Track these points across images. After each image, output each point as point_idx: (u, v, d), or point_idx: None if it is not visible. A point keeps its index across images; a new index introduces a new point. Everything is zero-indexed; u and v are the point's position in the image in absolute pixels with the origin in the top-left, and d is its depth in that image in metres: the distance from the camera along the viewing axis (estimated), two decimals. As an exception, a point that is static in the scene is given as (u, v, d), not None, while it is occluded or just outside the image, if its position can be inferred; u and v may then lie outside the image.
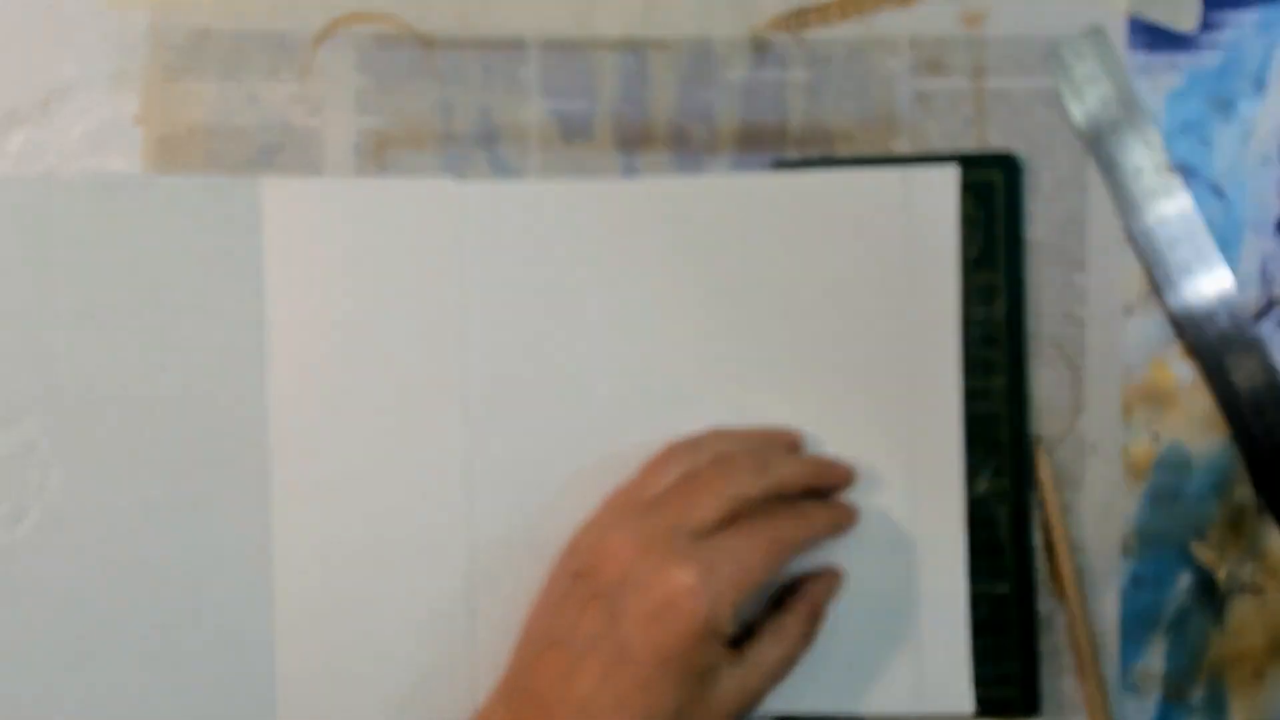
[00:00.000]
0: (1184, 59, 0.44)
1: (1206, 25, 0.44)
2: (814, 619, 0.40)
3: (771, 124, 0.44)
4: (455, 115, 0.44)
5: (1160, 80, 0.44)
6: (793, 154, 0.44)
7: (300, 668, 0.43)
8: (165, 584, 0.43)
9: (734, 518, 0.38)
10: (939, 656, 0.43)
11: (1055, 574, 0.44)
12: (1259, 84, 0.44)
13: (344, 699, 0.43)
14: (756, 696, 0.38)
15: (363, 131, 0.44)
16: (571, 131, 0.44)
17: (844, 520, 0.41)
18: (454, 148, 0.44)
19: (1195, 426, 0.44)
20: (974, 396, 0.43)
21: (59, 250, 0.42)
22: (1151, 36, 0.44)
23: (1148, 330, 0.44)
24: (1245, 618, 0.44)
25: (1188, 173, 0.44)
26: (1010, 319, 0.44)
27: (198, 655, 0.43)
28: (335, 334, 0.43)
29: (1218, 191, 0.44)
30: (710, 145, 0.44)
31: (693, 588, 0.35)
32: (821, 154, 0.44)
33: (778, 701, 0.43)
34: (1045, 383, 0.44)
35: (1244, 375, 0.43)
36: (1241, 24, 0.44)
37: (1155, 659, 0.44)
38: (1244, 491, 0.44)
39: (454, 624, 0.43)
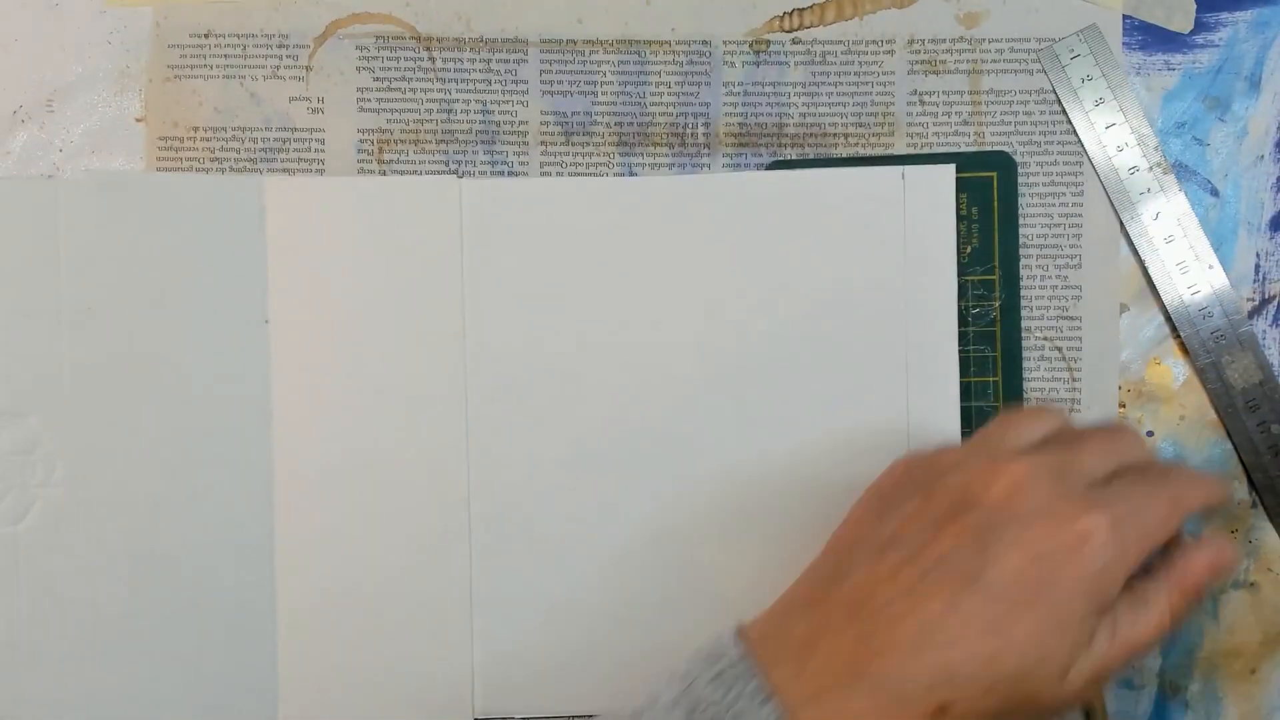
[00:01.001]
0: (1179, 59, 0.44)
1: (1201, 25, 0.44)
2: (1189, 594, 0.33)
3: (769, 124, 0.45)
4: (455, 115, 0.45)
5: (1155, 80, 0.44)
6: (790, 153, 0.44)
7: (302, 661, 0.43)
8: (168, 579, 0.43)
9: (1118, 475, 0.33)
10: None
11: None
12: (1253, 83, 0.44)
13: (346, 692, 0.43)
14: (1103, 678, 0.32)
15: (363, 131, 0.45)
16: (571, 131, 0.45)
17: (1226, 494, 0.36)
18: (454, 147, 0.45)
19: (1191, 424, 0.44)
20: (971, 394, 0.44)
21: (62, 248, 0.43)
22: (1146, 36, 0.44)
23: (1143, 328, 0.44)
24: (1240, 613, 0.44)
25: (1183, 172, 0.44)
26: (1006, 317, 0.44)
27: (200, 649, 0.43)
28: (337, 332, 0.43)
29: (1213, 190, 0.44)
30: (709, 145, 0.45)
31: (1102, 537, 0.30)
32: (819, 153, 0.44)
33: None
34: (1041, 381, 0.44)
35: (1238, 373, 0.43)
36: (1236, 24, 0.44)
37: (1151, 655, 0.44)
38: (1238, 488, 0.44)
39: (456, 616, 0.43)
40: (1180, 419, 0.44)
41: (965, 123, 0.44)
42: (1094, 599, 0.30)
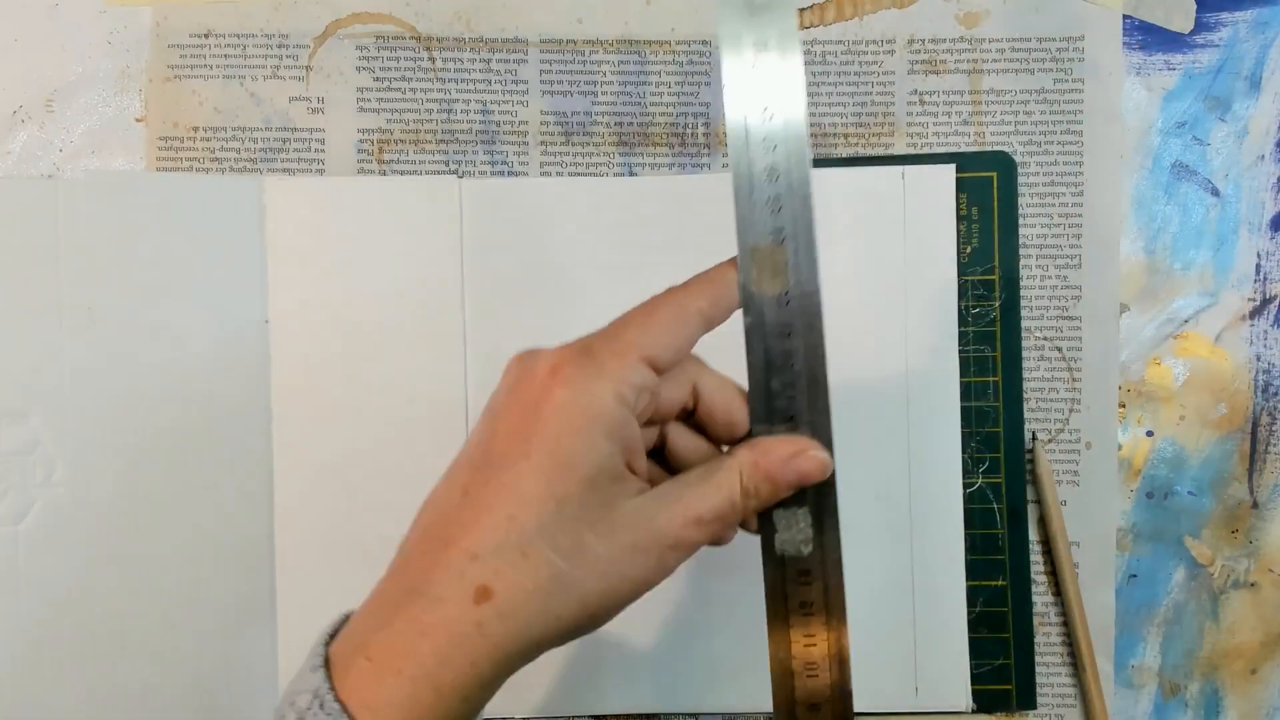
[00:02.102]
0: (1179, 59, 0.44)
1: (1201, 25, 0.44)
2: (764, 475, 0.31)
3: (769, 123, 0.45)
4: (455, 115, 0.45)
5: (1155, 80, 0.44)
6: (790, 153, 0.44)
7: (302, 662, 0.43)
8: (167, 578, 0.43)
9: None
10: (936, 653, 0.43)
11: (1052, 570, 0.44)
12: (1254, 83, 0.44)
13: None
14: (678, 544, 0.30)
15: (363, 131, 0.45)
16: (571, 131, 0.45)
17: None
18: (454, 147, 0.45)
19: (1190, 424, 0.44)
20: (971, 394, 0.44)
21: (62, 248, 0.43)
22: (1147, 36, 0.44)
23: (1143, 328, 0.44)
24: (1240, 613, 0.44)
25: (1183, 171, 0.44)
26: (1006, 317, 0.44)
27: (199, 649, 0.43)
28: (337, 332, 0.43)
29: (1213, 190, 0.44)
30: (709, 145, 0.45)
31: (560, 364, 0.29)
32: (819, 154, 0.44)
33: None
34: (1041, 380, 0.44)
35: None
36: (1236, 24, 0.44)
37: (1151, 654, 0.44)
38: (1239, 488, 0.44)
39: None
40: (1180, 419, 0.44)
41: (965, 123, 0.44)
42: (605, 432, 0.29)
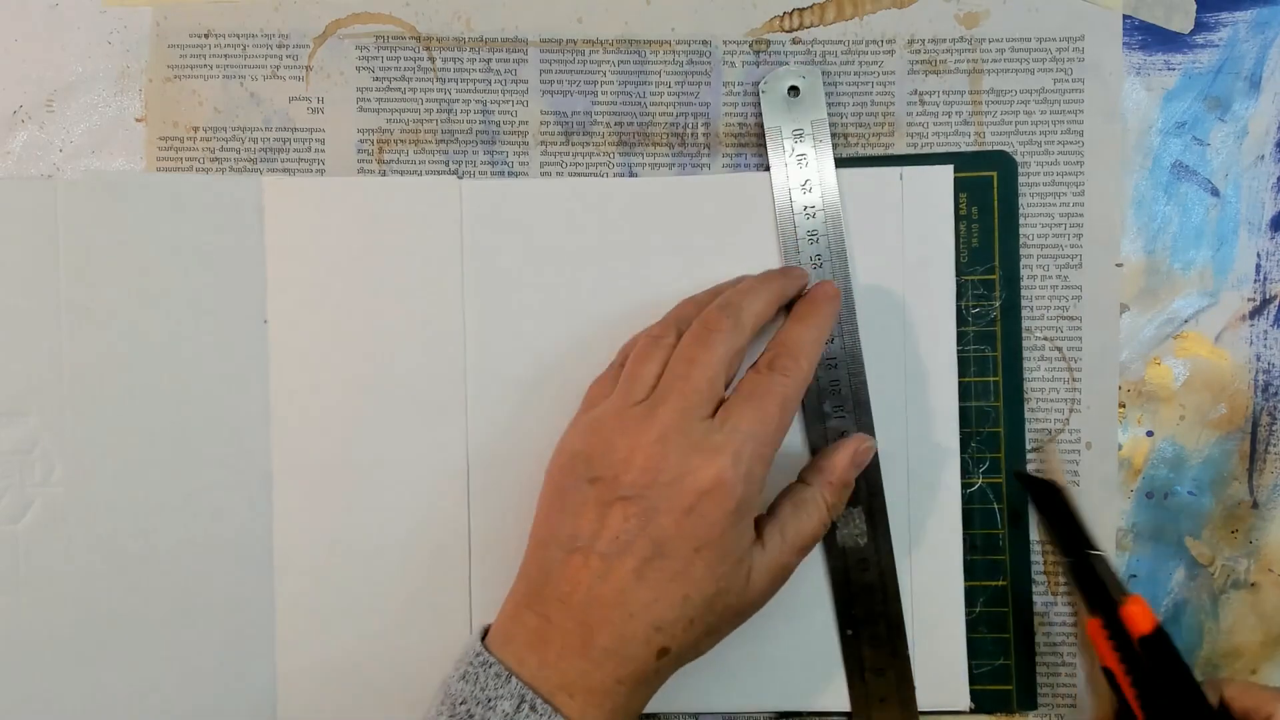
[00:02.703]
0: (1179, 59, 0.44)
1: (1201, 25, 0.44)
2: (838, 488, 0.40)
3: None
4: (455, 115, 0.45)
5: (1155, 80, 0.44)
6: (790, 153, 0.44)
7: (302, 661, 0.43)
8: (167, 579, 0.43)
9: (730, 380, 0.38)
10: (936, 652, 0.43)
11: (1051, 570, 0.44)
12: (1253, 83, 0.44)
13: (345, 692, 0.43)
14: (787, 571, 0.39)
15: (363, 131, 0.45)
16: (571, 131, 0.45)
17: (829, 310, 0.40)
18: (454, 147, 0.45)
19: (1190, 424, 0.44)
20: (971, 394, 0.44)
21: (61, 249, 0.43)
22: (1147, 36, 0.44)
23: (1143, 328, 0.44)
24: (1240, 613, 0.44)
25: (1183, 171, 0.44)
26: (1006, 317, 0.44)
27: (199, 649, 0.43)
28: (337, 332, 0.43)
29: (1213, 190, 0.44)
30: (709, 145, 0.45)
31: (722, 476, 0.36)
32: (819, 153, 0.44)
33: (773, 698, 0.43)
34: (1041, 380, 0.44)
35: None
36: (1236, 24, 0.44)
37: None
38: (1239, 488, 0.44)
39: (456, 616, 0.43)
40: (1180, 419, 0.44)
41: (965, 123, 0.44)
42: (743, 516, 0.37)
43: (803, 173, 0.43)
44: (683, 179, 0.44)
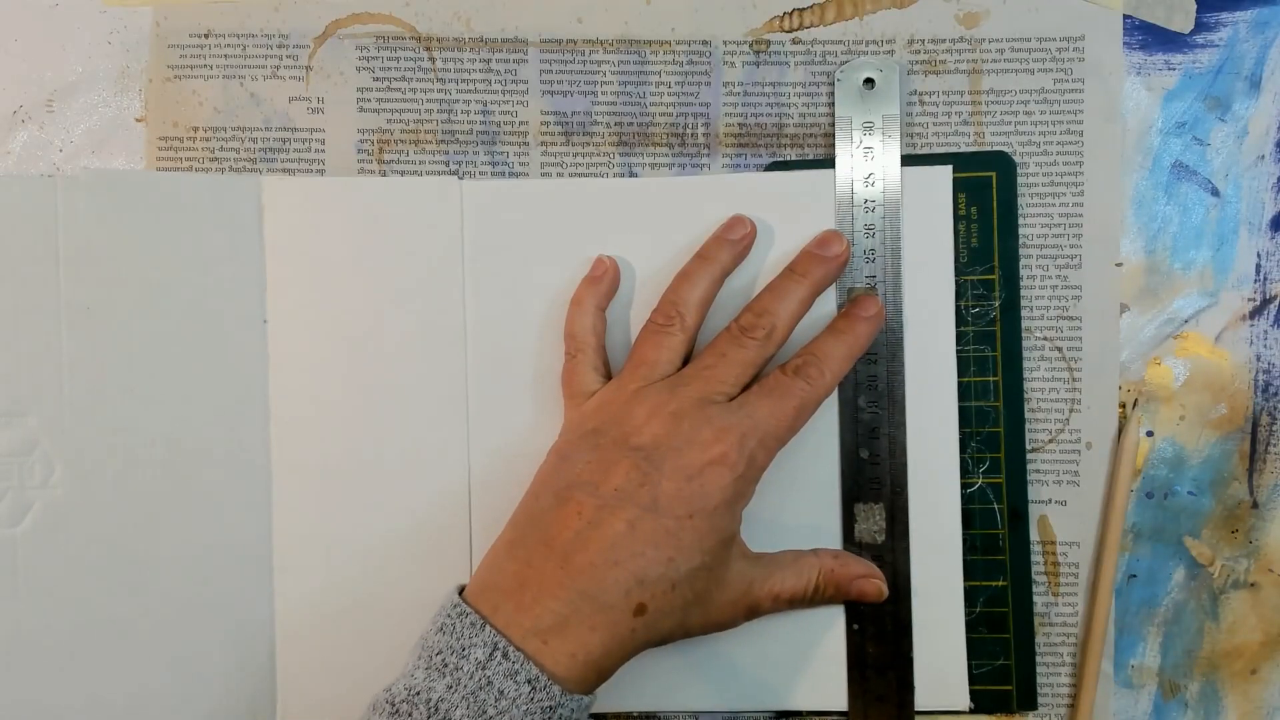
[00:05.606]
0: (1179, 59, 0.44)
1: (1201, 25, 0.44)
2: (834, 581, 0.41)
3: (769, 124, 0.45)
4: (455, 115, 0.45)
5: (1155, 80, 0.44)
6: (790, 154, 0.44)
7: (301, 661, 0.43)
8: (167, 579, 0.43)
9: (751, 381, 0.40)
10: (936, 652, 0.43)
11: (1051, 570, 0.44)
12: (1254, 83, 0.44)
13: (345, 692, 0.43)
14: (754, 602, 0.40)
15: (363, 131, 0.45)
16: (571, 131, 0.45)
17: (865, 330, 0.41)
18: (454, 147, 0.45)
19: (1190, 424, 0.44)
20: (971, 394, 0.44)
21: (61, 248, 0.43)
22: (1147, 36, 0.44)
23: (1143, 328, 0.44)
24: (1240, 613, 0.44)
25: (1183, 171, 0.44)
26: (1006, 317, 0.44)
27: (199, 649, 0.43)
28: (336, 332, 0.43)
29: (1213, 190, 0.44)
30: (709, 145, 0.45)
31: (728, 451, 0.37)
32: (819, 154, 0.44)
33: (773, 698, 0.43)
34: (1041, 380, 0.44)
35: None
36: (1236, 24, 0.44)
37: (1151, 654, 0.44)
38: (1239, 488, 0.44)
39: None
40: (1180, 419, 0.44)
41: (965, 123, 0.44)
42: (738, 496, 0.38)
43: (867, 166, 0.43)
44: (683, 179, 0.44)
